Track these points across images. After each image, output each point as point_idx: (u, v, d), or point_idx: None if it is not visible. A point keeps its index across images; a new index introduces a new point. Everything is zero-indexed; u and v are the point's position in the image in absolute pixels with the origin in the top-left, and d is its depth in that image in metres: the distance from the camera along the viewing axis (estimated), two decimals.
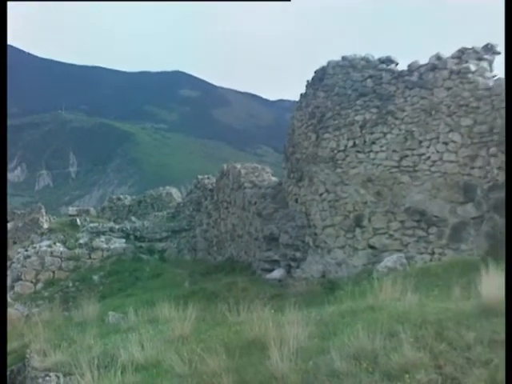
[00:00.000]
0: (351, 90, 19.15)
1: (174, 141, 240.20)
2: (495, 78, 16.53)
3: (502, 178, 15.32)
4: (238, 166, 27.09)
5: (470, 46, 17.26)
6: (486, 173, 15.78)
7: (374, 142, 18.35)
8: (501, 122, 15.47)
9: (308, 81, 21.32)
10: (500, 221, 14.62)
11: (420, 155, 17.28)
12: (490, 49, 17.36)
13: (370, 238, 18.19)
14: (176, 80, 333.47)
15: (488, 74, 16.67)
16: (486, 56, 17.16)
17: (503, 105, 15.50)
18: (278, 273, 20.53)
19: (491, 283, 8.10)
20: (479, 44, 17.38)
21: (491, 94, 15.89)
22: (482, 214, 15.80)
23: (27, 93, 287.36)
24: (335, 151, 19.34)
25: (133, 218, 37.48)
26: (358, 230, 18.53)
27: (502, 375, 6.32)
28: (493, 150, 15.60)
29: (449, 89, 16.81)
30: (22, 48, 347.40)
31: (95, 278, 27.14)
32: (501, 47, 17.34)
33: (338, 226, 19.14)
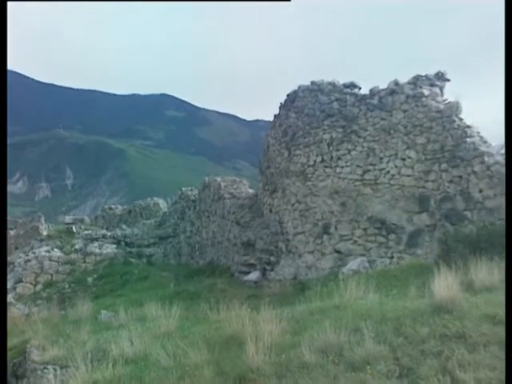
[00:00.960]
0: (319, 112, 19.25)
1: (161, 156, 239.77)
2: (446, 101, 16.71)
3: (452, 190, 15.48)
4: (218, 179, 27.13)
5: (423, 74, 17.45)
6: (438, 185, 15.91)
7: (339, 158, 18.43)
8: (451, 140, 15.64)
9: (281, 103, 21.41)
10: (450, 228, 14.75)
11: (380, 170, 17.39)
12: (440, 76, 17.56)
13: (336, 243, 18.23)
14: (163, 102, 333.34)
15: (439, 99, 16.84)
16: (437, 82, 17.35)
17: (453, 125, 15.69)
18: (254, 275, 20.52)
19: (442, 284, 8.17)
20: (431, 72, 17.59)
21: (442, 116, 16.06)
22: (435, 223, 15.92)
23: (29, 113, 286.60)
24: (305, 166, 19.41)
25: (123, 226, 37.24)
26: (325, 237, 18.57)
27: (451, 365, 6.37)
28: (444, 165, 15.75)
29: (405, 111, 16.95)
30: (24, 73, 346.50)
31: (89, 280, 26.95)
32: (449, 75, 17.61)
33: (307, 233, 19.19)
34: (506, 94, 7.14)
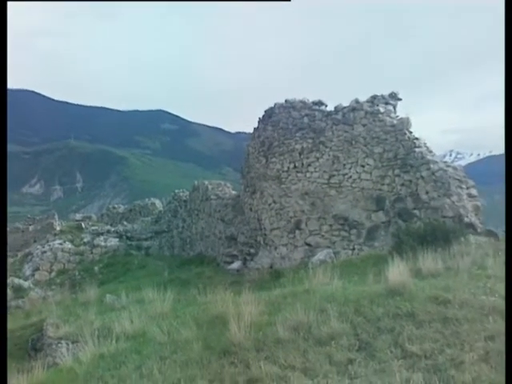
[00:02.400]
0: (292, 125, 19.28)
1: (157, 163, 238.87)
2: (398, 117, 16.80)
3: (403, 192, 15.57)
4: (206, 182, 27.06)
5: (379, 94, 17.55)
6: (392, 188, 16.00)
7: (309, 165, 18.47)
8: (403, 150, 15.74)
9: (260, 118, 21.37)
10: (402, 224, 14.84)
11: (344, 175, 17.44)
12: (393, 96, 17.67)
13: (306, 237, 18.27)
14: (159, 117, 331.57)
15: (393, 115, 16.93)
16: (391, 101, 17.44)
17: (404, 137, 15.80)
18: (236, 264, 20.50)
19: (395, 271, 8.23)
20: (386, 92, 17.69)
21: (395, 130, 16.15)
22: (390, 219, 16.01)
23: (45, 127, 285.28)
24: (280, 171, 19.43)
25: (125, 223, 37.08)
26: (297, 232, 18.60)
27: (402, 339, 6.43)
28: (397, 171, 15.83)
29: (364, 125, 17.02)
30: (41, 92, 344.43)
31: (96, 268, 26.89)
32: (401, 95, 17.73)
33: (282, 229, 19.20)
34: (506, 95, 6.83)
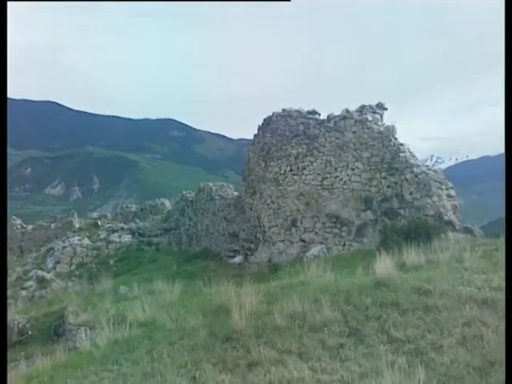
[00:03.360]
0: (289, 132, 19.30)
1: (166, 167, 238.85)
2: (384, 125, 16.82)
3: (389, 193, 15.59)
4: (210, 184, 27.11)
5: (367, 104, 17.58)
6: (379, 189, 16.02)
7: (304, 168, 18.49)
8: (389, 155, 15.77)
9: (259, 125, 21.38)
10: (388, 222, 14.85)
11: (336, 177, 17.46)
12: (380, 106, 17.69)
13: (301, 234, 18.29)
14: (168, 124, 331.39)
15: (380, 123, 16.96)
16: (378, 111, 17.46)
17: (390, 143, 15.81)
18: (238, 259, 20.53)
19: (382, 265, 8.24)
20: (373, 102, 17.71)
21: (382, 136, 16.17)
22: (377, 218, 16.02)
23: (66, 134, 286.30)
24: (278, 174, 19.45)
25: (137, 221, 37.09)
26: (293, 229, 18.62)
27: (387, 326, 6.45)
28: (383, 174, 15.86)
29: (354, 132, 17.04)
30: (62, 103, 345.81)
31: (111, 262, 26.95)
32: (387, 105, 17.76)
33: (279, 226, 19.22)
34: (506, 95, 6.50)
